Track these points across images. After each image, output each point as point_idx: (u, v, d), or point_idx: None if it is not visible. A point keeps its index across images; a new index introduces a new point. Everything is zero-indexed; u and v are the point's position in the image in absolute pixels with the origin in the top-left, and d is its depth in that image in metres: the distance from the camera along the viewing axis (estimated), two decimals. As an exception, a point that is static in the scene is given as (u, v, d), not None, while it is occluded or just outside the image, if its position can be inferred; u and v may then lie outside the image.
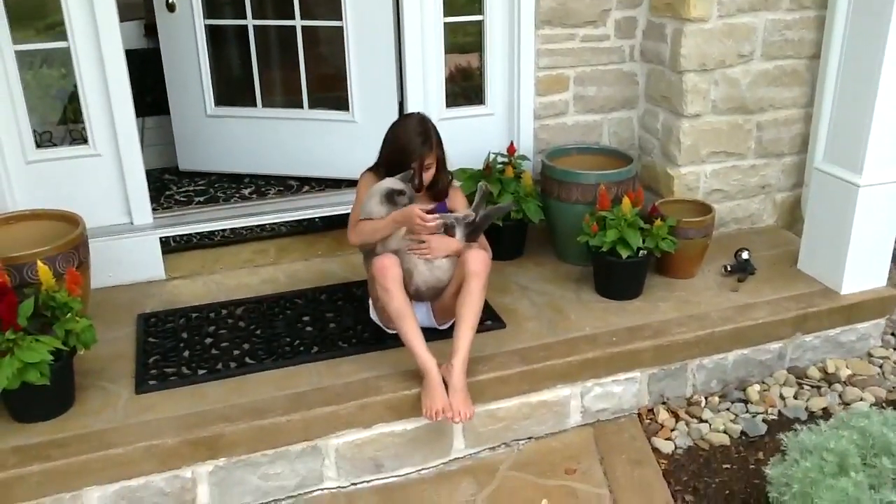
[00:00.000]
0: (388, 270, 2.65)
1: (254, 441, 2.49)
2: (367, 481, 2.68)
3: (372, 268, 2.70)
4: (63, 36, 3.11)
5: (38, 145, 3.25)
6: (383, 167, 2.83)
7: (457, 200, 2.95)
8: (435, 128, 2.82)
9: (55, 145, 3.43)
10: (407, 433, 2.67)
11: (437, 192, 2.89)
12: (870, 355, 3.29)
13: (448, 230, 2.77)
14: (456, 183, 3.04)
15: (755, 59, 3.53)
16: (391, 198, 2.71)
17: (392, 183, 2.73)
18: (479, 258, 2.67)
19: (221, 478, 2.50)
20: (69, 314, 2.46)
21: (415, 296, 2.75)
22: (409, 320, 2.65)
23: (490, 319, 3.02)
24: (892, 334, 3.40)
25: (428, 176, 2.80)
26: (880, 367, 3.22)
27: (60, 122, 3.78)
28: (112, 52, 3.12)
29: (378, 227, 2.73)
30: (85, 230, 2.87)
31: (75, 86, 3.23)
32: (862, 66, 2.99)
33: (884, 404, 2.99)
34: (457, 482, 2.68)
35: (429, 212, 2.81)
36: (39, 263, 2.51)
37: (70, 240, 2.76)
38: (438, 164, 2.83)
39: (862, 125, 3.01)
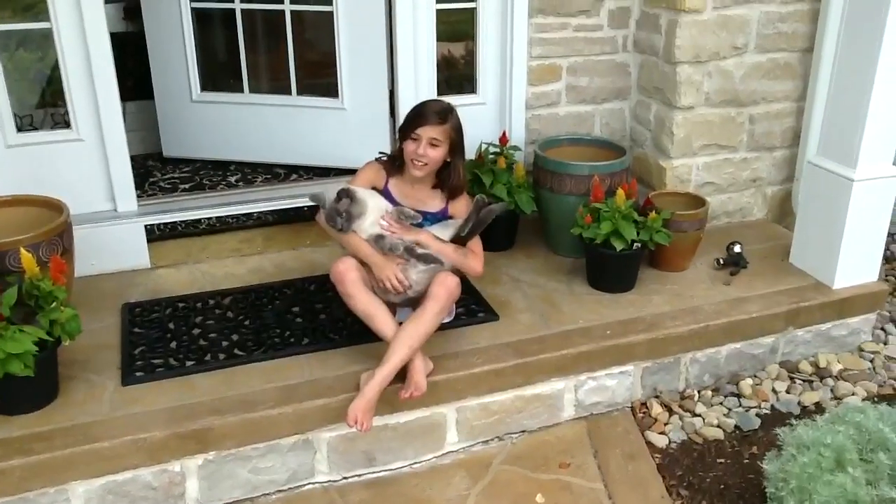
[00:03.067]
0: (346, 275, 2.61)
1: (244, 434, 2.44)
2: (359, 475, 2.64)
3: (330, 275, 2.66)
4: (44, 16, 3.02)
5: (19, 129, 3.16)
6: (399, 132, 2.77)
7: (459, 208, 2.85)
8: (458, 117, 2.75)
9: (36, 129, 3.33)
10: (399, 426, 2.63)
11: (449, 187, 2.81)
12: (860, 350, 3.29)
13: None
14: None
15: (749, 52, 3.51)
16: (330, 224, 2.66)
17: (328, 209, 2.65)
18: (444, 283, 2.60)
19: (211, 471, 2.45)
20: (54, 303, 2.38)
21: (386, 302, 2.70)
22: (380, 318, 2.61)
23: (483, 311, 2.99)
24: (882, 329, 3.40)
25: (432, 154, 2.68)
26: (871, 361, 3.22)
27: (39, 105, 3.68)
28: (96, 34, 3.03)
29: (358, 250, 2.69)
30: (69, 217, 2.79)
31: (54, 69, 3.14)
32: (857, 59, 2.98)
33: (875, 399, 2.99)
34: (450, 476, 2.65)
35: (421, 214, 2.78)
36: (22, 251, 2.43)
37: (54, 227, 2.68)
38: (453, 153, 2.74)
39: (857, 119, 3.00)
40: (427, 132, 2.67)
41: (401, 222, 2.71)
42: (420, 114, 2.70)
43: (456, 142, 2.74)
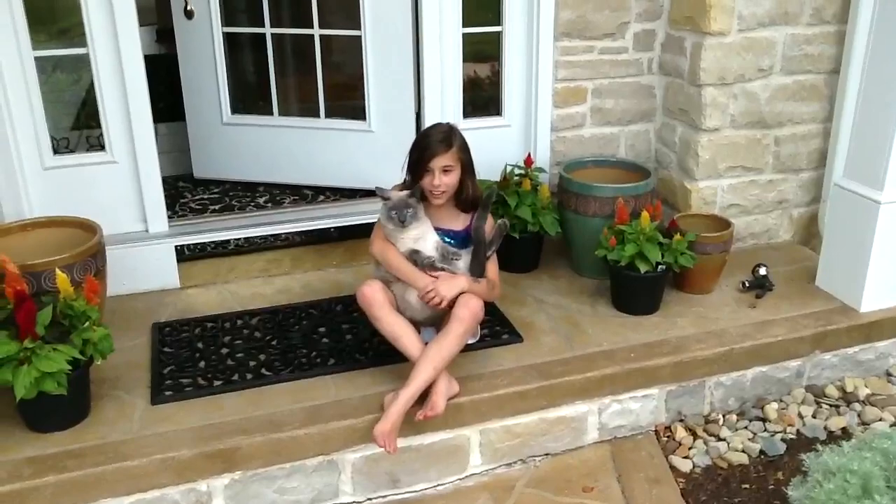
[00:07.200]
0: (373, 298, 2.65)
1: (270, 454, 2.47)
2: (383, 496, 2.65)
3: (357, 298, 2.69)
4: (80, 42, 3.10)
5: (56, 151, 3.24)
6: (407, 171, 2.79)
7: (485, 227, 2.88)
8: (461, 135, 2.77)
9: (72, 152, 3.42)
10: (423, 448, 2.65)
11: (464, 202, 2.83)
12: (888, 374, 3.25)
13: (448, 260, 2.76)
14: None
15: (774, 74, 3.51)
16: (390, 215, 2.70)
17: (398, 199, 2.71)
18: (468, 305, 2.62)
19: (237, 491, 2.48)
20: (87, 323, 2.44)
21: (412, 321, 2.73)
22: (406, 338, 2.63)
23: (507, 333, 3.01)
24: (911, 353, 3.37)
25: (448, 181, 2.72)
26: (899, 386, 3.19)
27: (73, 127, 3.76)
28: (131, 59, 3.11)
29: (397, 267, 2.72)
30: (102, 238, 2.86)
31: (88, 91, 3.22)
32: (884, 81, 2.97)
33: (903, 424, 2.97)
34: (473, 499, 2.66)
35: (450, 234, 2.82)
36: (58, 271, 2.49)
37: (88, 248, 2.74)
38: (464, 171, 2.77)
39: (884, 141, 2.99)
40: (438, 162, 2.70)
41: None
42: (427, 147, 2.71)
43: (465, 161, 2.77)
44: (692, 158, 3.57)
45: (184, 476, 2.41)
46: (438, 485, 2.71)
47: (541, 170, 3.59)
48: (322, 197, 3.90)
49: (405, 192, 2.72)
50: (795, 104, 3.60)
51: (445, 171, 2.72)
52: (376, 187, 2.78)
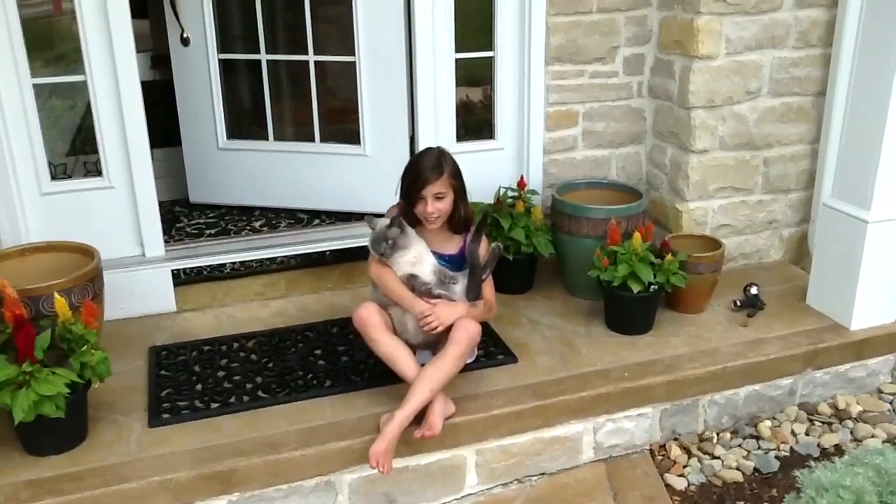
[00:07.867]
0: (368, 320, 2.67)
1: (268, 476, 2.48)
2: (380, 517, 2.67)
3: (353, 320, 2.72)
4: (77, 68, 3.14)
5: (53, 177, 3.27)
6: (402, 197, 2.82)
7: (480, 250, 2.91)
8: (452, 159, 2.80)
9: (69, 177, 3.45)
10: (420, 468, 2.66)
11: (456, 223, 2.86)
12: (880, 391, 3.29)
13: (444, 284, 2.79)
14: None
15: (762, 96, 3.57)
16: (373, 248, 2.73)
17: (377, 232, 2.73)
18: (467, 328, 2.65)
19: (234, 513, 2.50)
20: (85, 346, 2.46)
21: (408, 345, 2.75)
22: (402, 360, 2.65)
23: (502, 353, 3.03)
24: (902, 370, 3.40)
25: (441, 206, 2.75)
26: (891, 403, 3.22)
27: (70, 153, 3.80)
28: (129, 85, 3.14)
29: (393, 292, 2.74)
30: (100, 263, 2.88)
31: (84, 117, 3.26)
32: (869, 102, 3.03)
33: (895, 441, 2.99)
34: (470, 518, 2.67)
35: (445, 257, 2.85)
36: (56, 296, 2.51)
37: (86, 272, 2.76)
38: (456, 196, 2.80)
39: (870, 161, 3.04)
40: (430, 190, 2.72)
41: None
42: (418, 176, 2.73)
43: (457, 185, 2.80)
44: (682, 180, 3.62)
45: (181, 498, 2.41)
46: (435, 505, 2.72)
47: (534, 192, 3.63)
48: (317, 220, 3.93)
49: (385, 224, 2.73)
50: (783, 126, 3.65)
51: (438, 197, 2.74)
52: (365, 216, 2.81)
